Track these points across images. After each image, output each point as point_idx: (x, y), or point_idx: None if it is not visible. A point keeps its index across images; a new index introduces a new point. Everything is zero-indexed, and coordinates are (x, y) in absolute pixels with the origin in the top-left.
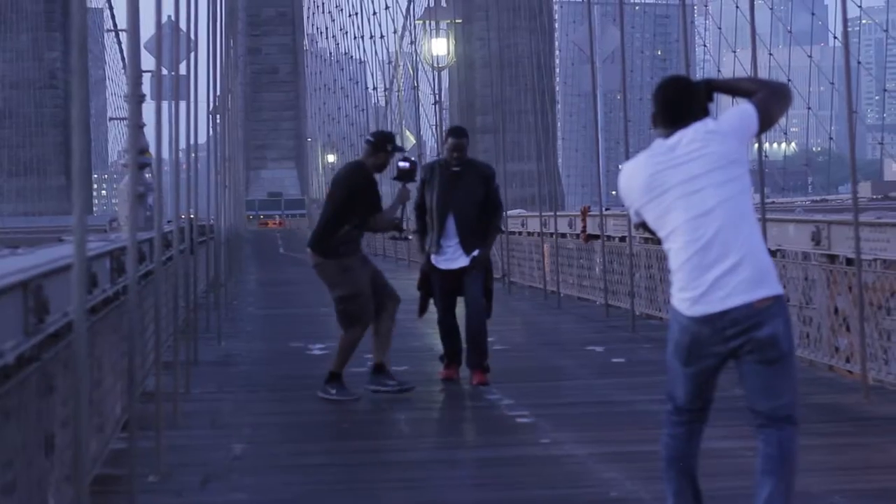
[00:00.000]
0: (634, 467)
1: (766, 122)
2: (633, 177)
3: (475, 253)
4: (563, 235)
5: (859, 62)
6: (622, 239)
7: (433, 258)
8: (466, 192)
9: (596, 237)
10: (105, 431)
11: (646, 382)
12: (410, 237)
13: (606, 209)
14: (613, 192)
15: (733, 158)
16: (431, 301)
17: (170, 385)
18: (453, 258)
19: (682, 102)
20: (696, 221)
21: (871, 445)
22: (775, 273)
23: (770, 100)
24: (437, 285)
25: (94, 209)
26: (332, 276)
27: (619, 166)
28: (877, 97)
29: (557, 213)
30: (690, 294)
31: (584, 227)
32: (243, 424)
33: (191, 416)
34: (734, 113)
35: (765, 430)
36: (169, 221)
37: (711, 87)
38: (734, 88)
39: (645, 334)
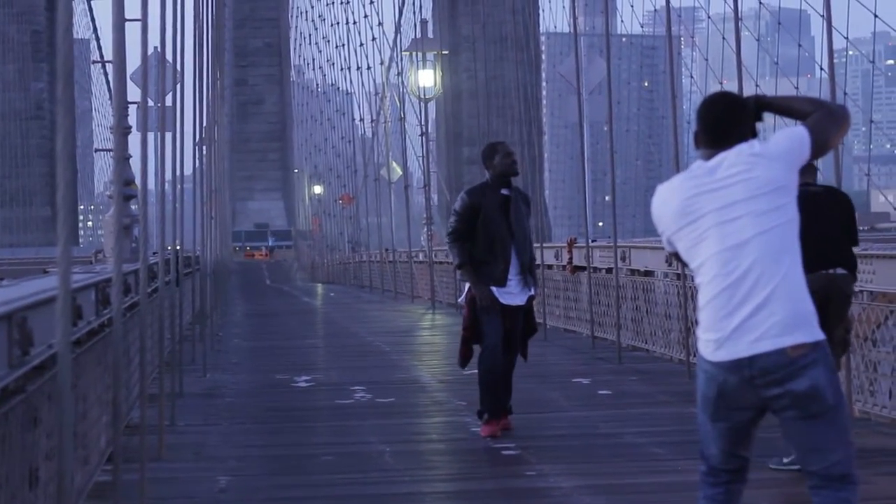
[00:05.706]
0: (621, 499)
1: (821, 147)
2: (666, 201)
3: (532, 291)
4: (550, 267)
5: (846, 93)
6: (608, 270)
7: (495, 292)
8: (521, 218)
9: (582, 269)
10: (90, 464)
11: (632, 414)
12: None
13: (593, 241)
14: (600, 224)
15: (779, 185)
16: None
17: (155, 417)
18: (516, 292)
19: (727, 121)
20: (728, 253)
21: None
22: (815, 317)
23: (826, 123)
24: (497, 323)
25: (80, 240)
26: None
27: (607, 198)
28: (863, 128)
29: (544, 245)
30: (715, 336)
31: (571, 258)
32: (228, 457)
33: (176, 448)
34: (785, 135)
35: (820, 491)
36: (154, 253)
37: (761, 106)
38: (787, 108)
39: (631, 366)
